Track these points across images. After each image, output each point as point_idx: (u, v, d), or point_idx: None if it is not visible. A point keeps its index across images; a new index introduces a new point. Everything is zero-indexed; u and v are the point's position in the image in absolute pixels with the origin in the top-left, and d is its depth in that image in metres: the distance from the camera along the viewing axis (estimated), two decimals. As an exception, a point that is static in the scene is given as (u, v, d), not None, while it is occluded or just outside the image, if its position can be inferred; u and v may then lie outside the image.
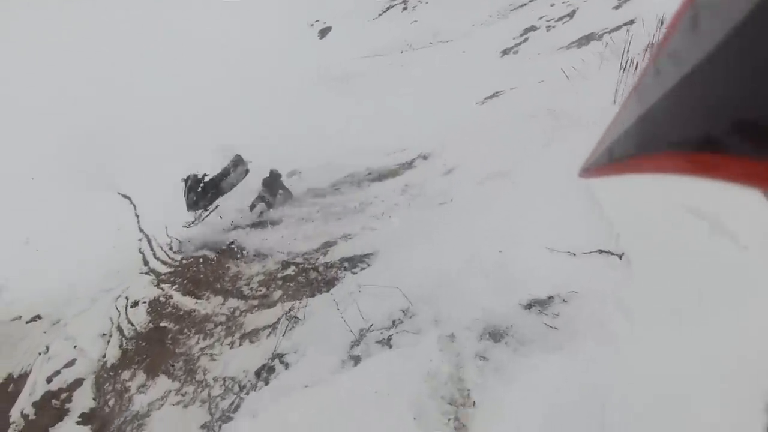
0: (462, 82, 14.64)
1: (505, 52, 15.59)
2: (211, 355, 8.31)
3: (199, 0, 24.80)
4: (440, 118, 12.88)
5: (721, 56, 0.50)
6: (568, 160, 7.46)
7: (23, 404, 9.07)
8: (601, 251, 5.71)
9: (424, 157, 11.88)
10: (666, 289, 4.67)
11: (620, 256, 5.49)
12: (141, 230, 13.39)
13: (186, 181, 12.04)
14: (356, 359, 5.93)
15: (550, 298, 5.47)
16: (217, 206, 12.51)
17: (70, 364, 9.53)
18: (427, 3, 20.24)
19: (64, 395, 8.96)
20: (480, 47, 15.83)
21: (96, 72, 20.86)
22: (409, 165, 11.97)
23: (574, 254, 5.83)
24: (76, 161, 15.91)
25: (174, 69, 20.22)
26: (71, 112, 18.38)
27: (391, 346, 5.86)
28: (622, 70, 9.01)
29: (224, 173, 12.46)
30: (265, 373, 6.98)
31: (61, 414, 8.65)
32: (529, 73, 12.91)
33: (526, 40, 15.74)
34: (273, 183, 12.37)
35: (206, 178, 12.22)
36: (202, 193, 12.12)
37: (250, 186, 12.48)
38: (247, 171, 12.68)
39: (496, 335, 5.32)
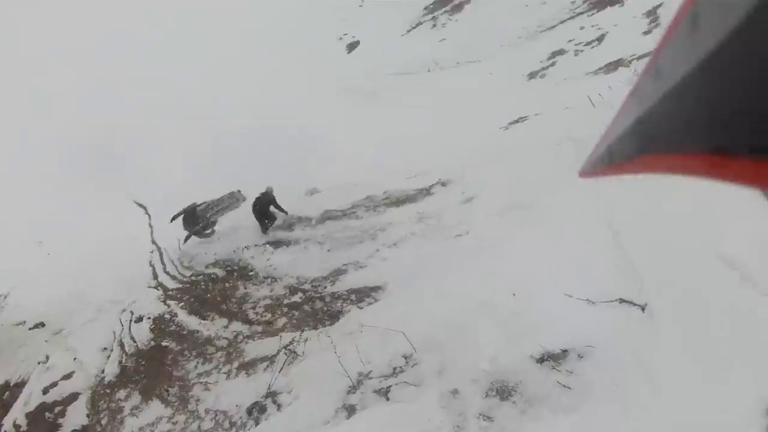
0: (487, 105, 14.39)
1: (531, 75, 15.33)
2: (206, 384, 8.09)
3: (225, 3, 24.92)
4: (463, 141, 12.64)
5: (722, 56, 0.47)
6: (591, 196, 7.13)
7: (17, 414, 8.91)
8: (622, 300, 5.33)
9: (443, 184, 11.60)
10: (691, 345, 4.31)
11: (643, 308, 5.11)
12: (153, 242, 13.22)
13: (181, 213, 12.48)
14: (351, 410, 5.60)
15: (565, 351, 5.09)
16: (212, 232, 12.86)
17: (68, 376, 9.33)
18: (456, 21, 20.05)
19: (58, 409, 8.79)
20: (507, 69, 15.61)
21: (117, 77, 20.95)
22: (427, 191, 11.69)
23: (594, 303, 5.45)
24: (94, 166, 15.88)
25: (195, 75, 20.11)
26: (91, 117, 18.37)
27: (388, 399, 5.51)
28: None
29: (217, 203, 12.98)
30: (256, 412, 6.72)
31: (52, 429, 8.50)
32: (556, 98, 12.61)
33: (553, 63, 15.49)
34: (265, 202, 12.16)
35: (198, 208, 12.63)
36: (194, 220, 12.54)
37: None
38: (244, 199, 13.12)
39: (503, 392, 4.95)
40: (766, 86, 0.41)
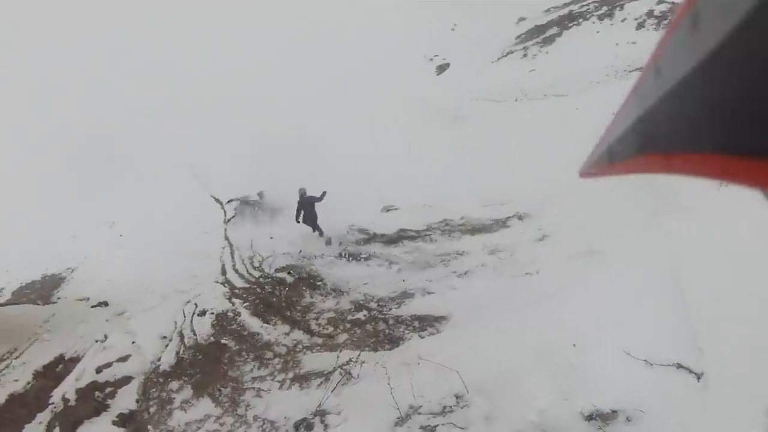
0: (571, 140, 14.02)
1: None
2: (259, 390, 8.20)
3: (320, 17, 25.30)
4: (545, 175, 12.39)
5: (722, 56, 0.49)
6: (664, 251, 6.91)
7: (67, 388, 9.16)
8: (679, 366, 5.21)
9: (520, 218, 11.52)
10: (744, 423, 4.13)
11: (699, 377, 4.97)
12: (227, 238, 13.52)
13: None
14: (396, 442, 5.59)
15: (614, 412, 5.02)
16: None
17: (124, 359, 9.62)
18: (547, 53, 19.79)
19: (108, 389, 9.05)
20: (594, 106, 15.22)
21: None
22: (503, 223, 11.62)
23: (651, 364, 5.32)
24: (181, 159, 16.33)
25: (277, 86, 20.42)
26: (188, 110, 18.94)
27: (435, 438, 5.47)
28: None
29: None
30: (303, 428, 6.80)
31: (99, 408, 8.75)
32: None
33: (640, 104, 15.01)
34: (307, 204, 12.74)
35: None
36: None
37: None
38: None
39: (547, 446, 4.85)
40: (766, 86, 0.42)
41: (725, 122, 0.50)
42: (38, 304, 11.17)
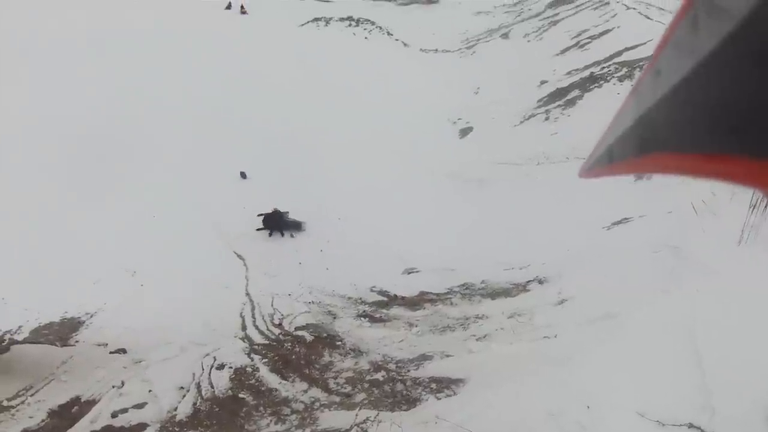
0: (593, 203, 14.15)
1: (639, 176, 15.01)
2: (276, 446, 8.15)
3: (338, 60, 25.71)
4: (565, 238, 12.45)
5: (721, 56, 0.50)
6: (683, 313, 6.92)
7: (81, 429, 9.13)
8: (691, 425, 5.24)
9: (540, 282, 11.49)
10: None
11: None
12: (247, 294, 13.55)
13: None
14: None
15: (624, 473, 4.92)
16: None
17: (140, 406, 9.56)
18: (569, 116, 20.00)
19: (123, 435, 8.99)
20: (616, 168, 15.29)
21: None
22: (523, 287, 11.59)
23: (663, 425, 5.29)
24: (201, 206, 16.46)
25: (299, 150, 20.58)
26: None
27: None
28: (751, 208, 8.43)
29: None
30: (319, 484, 6.72)
31: (113, 453, 8.67)
32: (660, 200, 12.34)
33: (661, 166, 15.03)
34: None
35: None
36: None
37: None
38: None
39: None
40: (765, 86, 0.43)
41: (725, 123, 0.51)
42: (56, 345, 11.20)
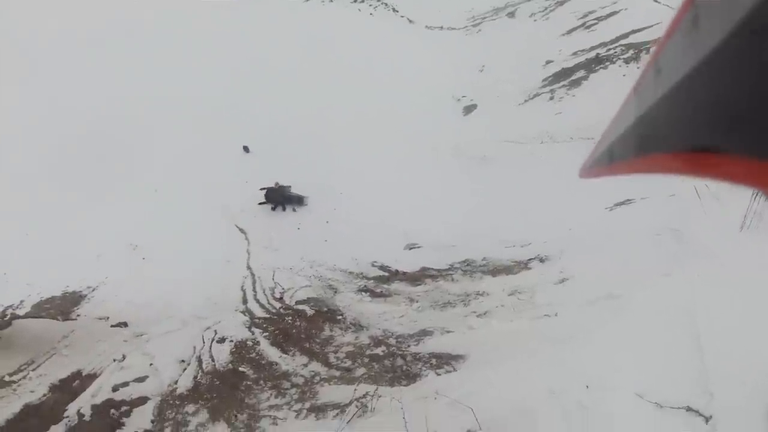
0: (596, 184, 14.06)
1: None
2: (275, 418, 8.19)
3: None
4: (567, 217, 12.38)
5: (721, 56, 0.49)
6: (684, 297, 6.89)
7: (83, 403, 9.28)
8: (689, 408, 5.21)
9: (541, 260, 11.48)
10: None
11: (707, 419, 4.96)
12: (249, 268, 13.55)
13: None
14: (408, 477, 5.58)
15: (622, 452, 4.93)
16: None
17: (141, 379, 9.73)
18: (573, 96, 19.79)
19: (124, 408, 9.18)
20: (620, 150, 15.16)
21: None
22: (525, 265, 11.58)
23: (661, 407, 5.29)
24: (204, 183, 16.40)
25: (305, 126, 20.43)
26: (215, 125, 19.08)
27: (446, 474, 5.47)
28: (754, 194, 8.40)
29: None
30: (319, 457, 6.76)
31: (114, 426, 8.88)
32: (664, 183, 12.24)
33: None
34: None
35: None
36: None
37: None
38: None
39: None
40: (765, 86, 0.43)
41: (725, 122, 0.51)
42: (58, 320, 11.23)
